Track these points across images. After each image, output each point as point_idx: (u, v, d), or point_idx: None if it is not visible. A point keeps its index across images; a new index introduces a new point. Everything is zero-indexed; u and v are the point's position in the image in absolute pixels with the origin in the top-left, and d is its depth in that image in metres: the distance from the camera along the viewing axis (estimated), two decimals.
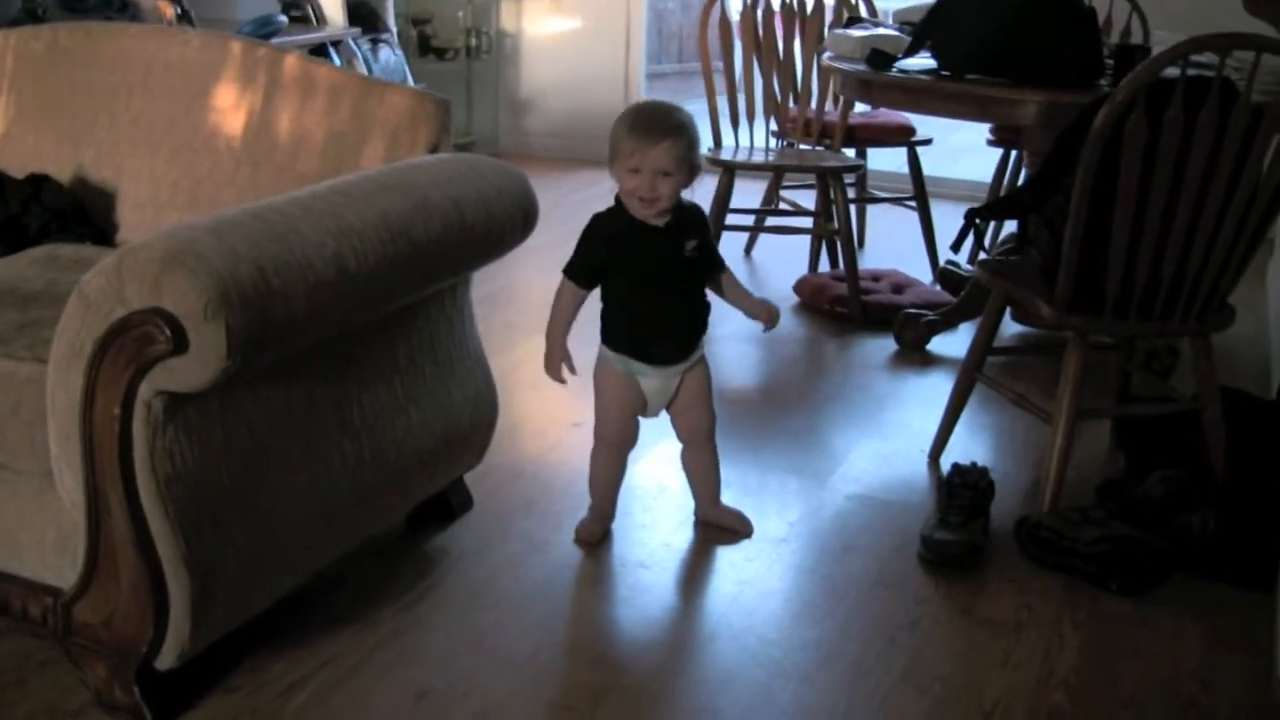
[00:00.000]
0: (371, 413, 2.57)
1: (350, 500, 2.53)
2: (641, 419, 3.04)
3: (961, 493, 3.09)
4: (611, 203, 2.90)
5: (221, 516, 2.21)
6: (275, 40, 5.33)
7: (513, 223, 2.73)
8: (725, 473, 3.14)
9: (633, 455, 3.09)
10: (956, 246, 3.47)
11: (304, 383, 2.38)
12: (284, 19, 5.84)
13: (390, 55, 6.49)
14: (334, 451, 2.47)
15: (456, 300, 2.85)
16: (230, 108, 3.06)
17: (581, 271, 2.90)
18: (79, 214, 3.14)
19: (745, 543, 3.08)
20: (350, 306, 2.28)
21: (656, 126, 2.78)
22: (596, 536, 3.05)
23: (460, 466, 3.00)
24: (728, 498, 3.17)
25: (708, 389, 3.03)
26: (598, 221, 2.89)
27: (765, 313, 3.02)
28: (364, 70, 6.02)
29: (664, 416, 3.05)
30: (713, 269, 2.96)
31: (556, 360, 2.95)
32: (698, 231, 2.89)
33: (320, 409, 2.43)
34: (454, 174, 2.65)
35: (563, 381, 2.97)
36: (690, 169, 2.81)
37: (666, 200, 2.79)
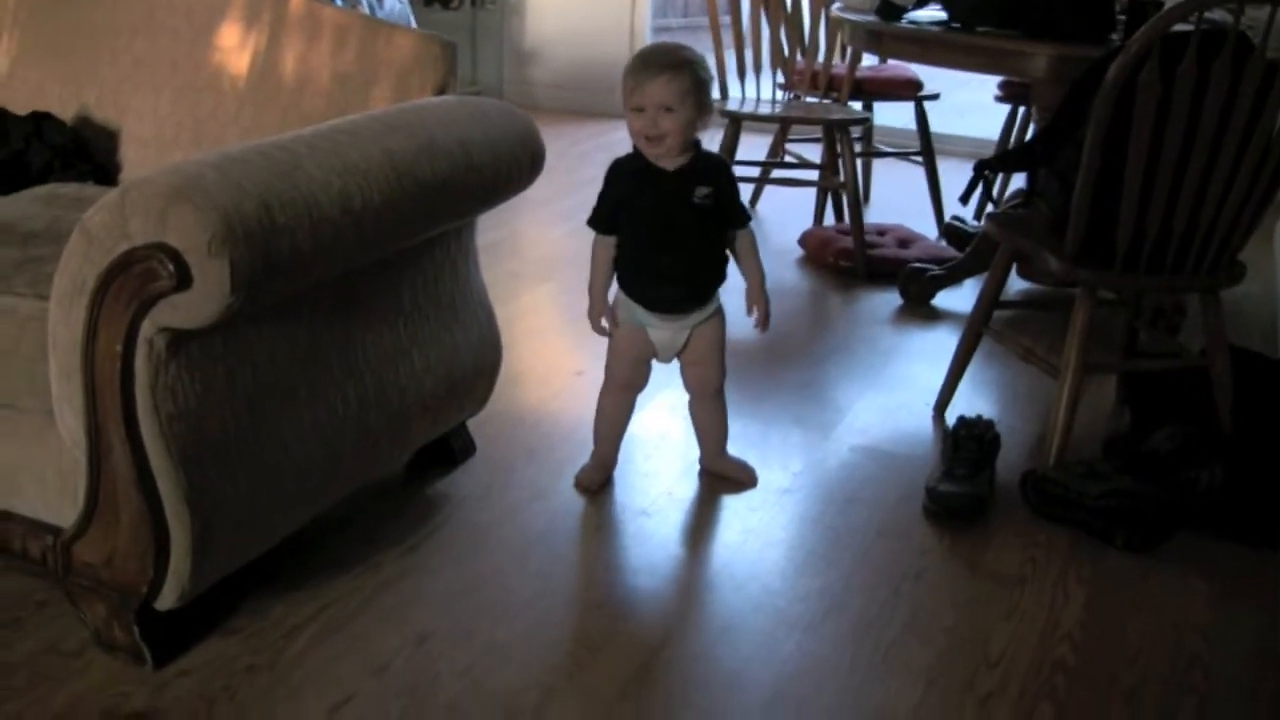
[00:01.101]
0: (375, 355, 2.54)
1: (353, 443, 2.51)
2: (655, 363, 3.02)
3: (967, 445, 3.07)
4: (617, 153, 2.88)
5: (223, 456, 2.19)
6: None
7: (519, 165, 2.70)
8: (729, 424, 3.12)
9: (636, 403, 3.07)
10: (965, 198, 3.45)
11: (308, 323, 2.35)
12: None
13: (395, 3, 6.44)
14: (337, 393, 2.44)
15: (462, 244, 2.83)
16: (234, 47, 3.03)
17: (602, 217, 2.87)
18: (81, 152, 3.11)
19: (749, 493, 3.07)
20: (355, 245, 2.26)
21: (656, 61, 2.74)
22: (596, 484, 3.03)
23: (463, 412, 2.97)
24: (730, 447, 3.15)
25: (720, 344, 2.99)
26: (615, 166, 2.86)
27: (762, 309, 2.98)
28: None
29: (674, 365, 3.03)
30: (730, 223, 2.91)
31: (597, 314, 2.93)
32: (713, 180, 2.83)
33: (324, 350, 2.40)
34: (460, 116, 2.62)
35: (605, 334, 2.95)
36: (698, 106, 2.75)
37: (674, 138, 2.75)
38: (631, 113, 2.76)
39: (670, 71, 2.73)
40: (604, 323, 2.94)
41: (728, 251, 2.94)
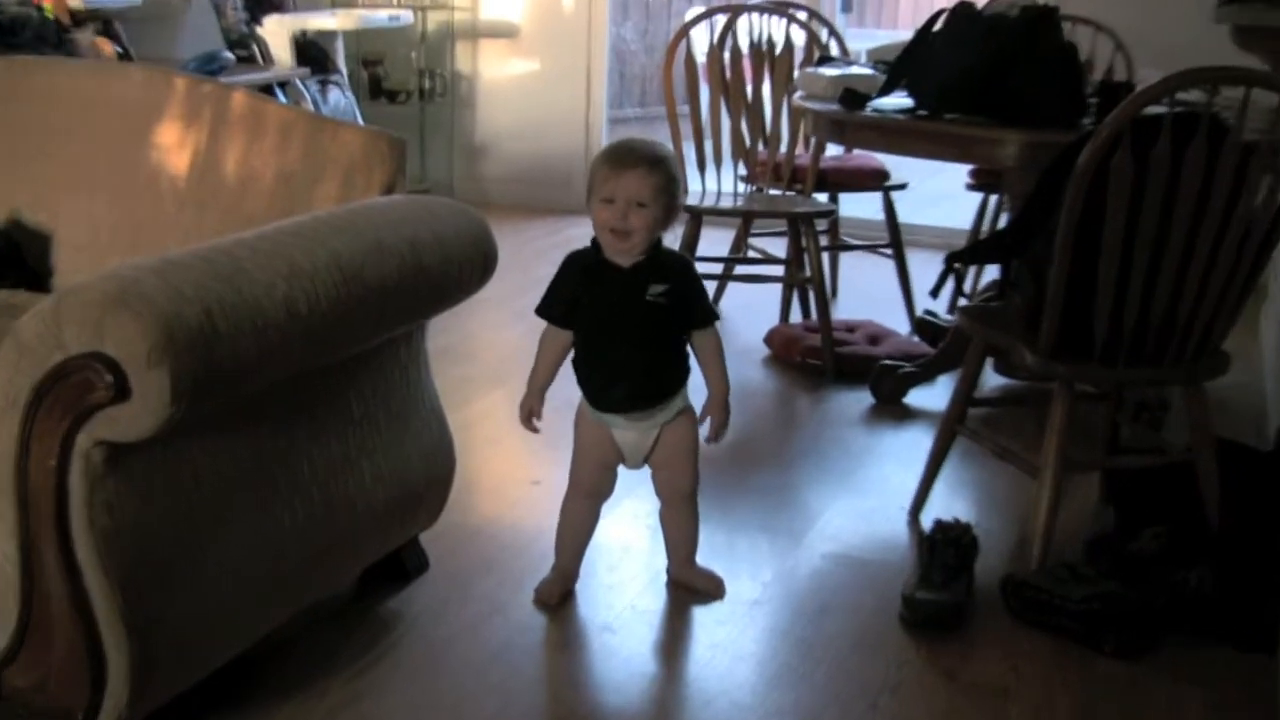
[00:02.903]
0: (322, 466, 2.55)
1: (300, 559, 2.51)
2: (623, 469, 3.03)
3: (944, 550, 3.08)
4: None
5: (164, 575, 2.19)
6: (222, 79, 5.33)
7: (471, 266, 2.73)
8: None
9: (600, 512, 3.08)
10: (936, 292, 3.48)
11: (252, 433, 2.36)
12: (230, 56, 5.84)
13: (340, 97, 6.50)
14: (283, 507, 2.45)
15: (412, 349, 2.84)
16: (174, 146, 3.05)
17: (553, 308, 2.90)
18: (13, 258, 3.12)
19: (717, 605, 3.07)
20: (301, 352, 2.27)
21: (634, 154, 2.79)
22: (556, 597, 3.03)
23: (415, 525, 2.98)
24: (697, 558, 3.15)
25: (690, 446, 3.00)
26: (570, 258, 2.90)
27: (717, 420, 2.99)
28: None
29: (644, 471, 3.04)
30: (689, 322, 2.92)
31: (527, 406, 2.96)
32: (671, 277, 2.85)
33: (268, 462, 2.41)
34: (409, 215, 2.65)
35: (533, 430, 2.97)
36: (668, 207, 2.80)
37: (640, 235, 2.78)
38: (600, 204, 2.79)
39: (648, 165, 2.77)
40: (534, 422, 2.96)
41: (690, 350, 2.96)
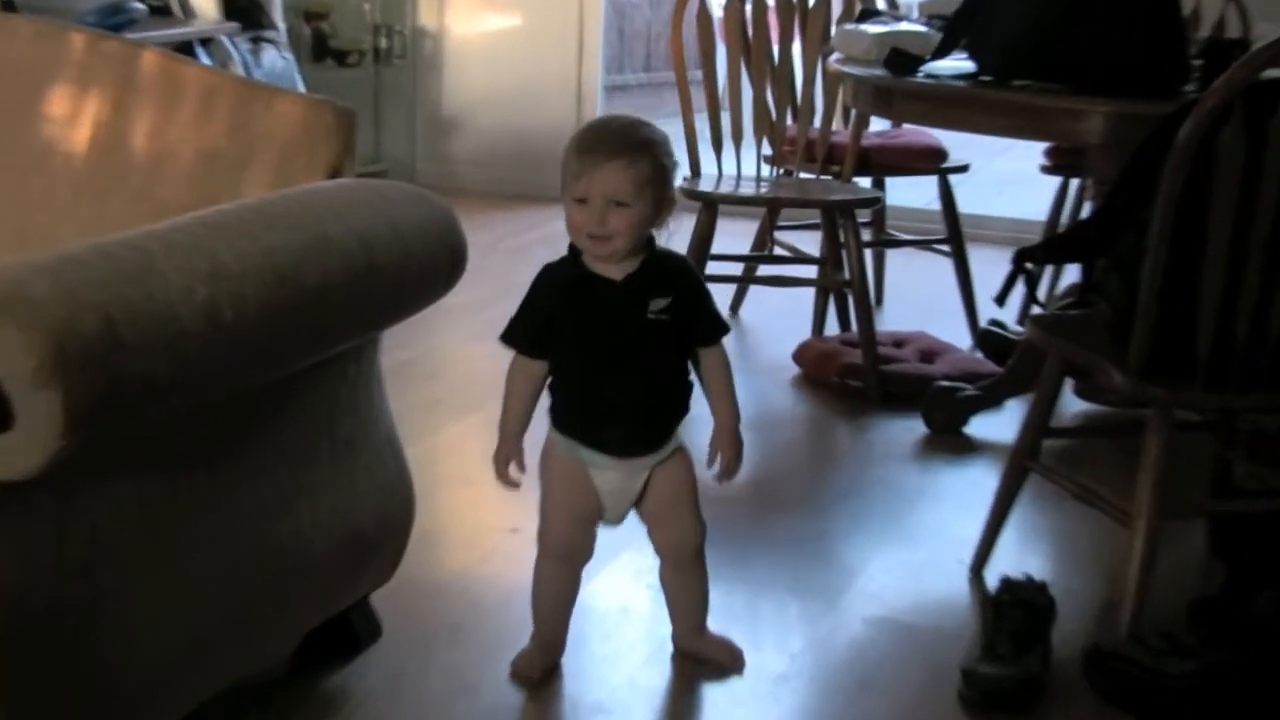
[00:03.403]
0: (251, 510, 2.54)
1: (222, 625, 2.50)
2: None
3: (1012, 614, 3.07)
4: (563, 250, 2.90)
5: (49, 645, 2.17)
6: (129, 35, 5.32)
7: (435, 265, 2.72)
8: (708, 592, 3.12)
9: (590, 568, 3.07)
10: (1002, 299, 3.47)
11: (164, 469, 2.35)
12: (140, 6, 5.82)
13: (277, 58, 6.50)
14: (202, 559, 2.43)
15: (362, 367, 2.84)
16: (70, 118, 3.05)
17: (522, 335, 2.88)
18: None
19: (734, 680, 3.06)
20: (225, 369, 2.26)
21: (609, 142, 2.76)
22: (538, 671, 3.02)
23: (366, 582, 2.97)
24: (710, 623, 3.14)
25: (690, 490, 2.99)
26: (545, 274, 2.88)
27: (727, 455, 2.98)
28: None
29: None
30: (692, 337, 2.91)
31: (503, 456, 2.95)
32: (673, 288, 2.84)
33: (184, 504, 2.40)
34: (359, 204, 2.64)
35: (512, 485, 2.96)
36: (658, 202, 2.77)
37: (623, 239, 2.76)
38: (573, 204, 2.77)
39: (627, 156, 2.73)
40: (514, 473, 2.95)
41: (693, 375, 2.95)
